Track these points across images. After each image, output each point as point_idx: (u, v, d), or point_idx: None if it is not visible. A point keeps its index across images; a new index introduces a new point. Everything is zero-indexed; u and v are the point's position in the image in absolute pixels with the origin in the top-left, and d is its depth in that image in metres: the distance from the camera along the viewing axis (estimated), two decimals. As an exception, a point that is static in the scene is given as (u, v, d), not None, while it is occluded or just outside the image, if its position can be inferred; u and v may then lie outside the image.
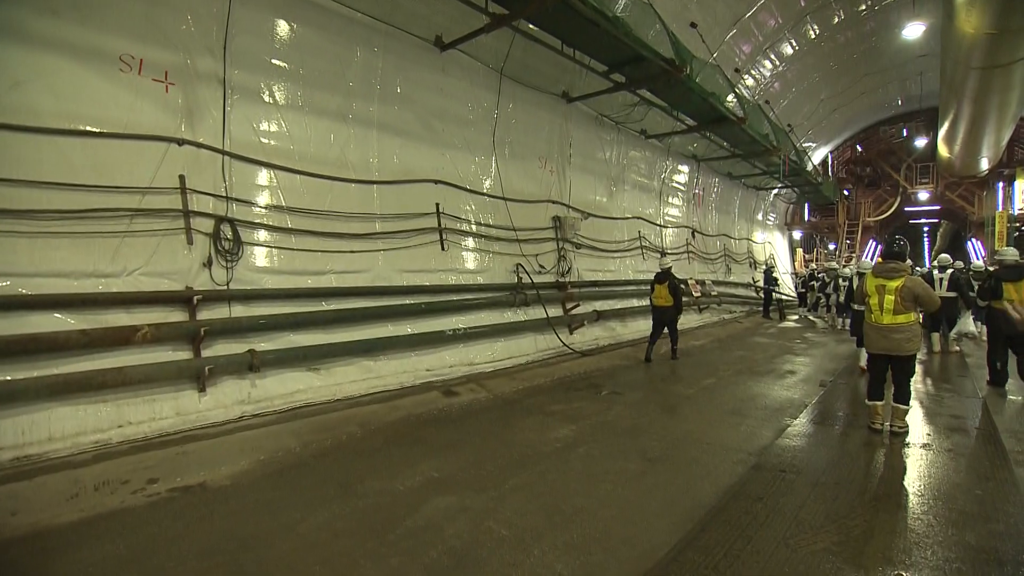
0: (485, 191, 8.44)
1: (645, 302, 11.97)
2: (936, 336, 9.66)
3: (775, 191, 21.97)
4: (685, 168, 14.95)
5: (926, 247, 33.33)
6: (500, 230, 8.56)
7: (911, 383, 4.85)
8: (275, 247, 5.81)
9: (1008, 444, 4.57)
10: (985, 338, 7.46)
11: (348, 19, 6.37)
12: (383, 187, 6.91)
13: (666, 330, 8.87)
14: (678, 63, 8.35)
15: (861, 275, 7.19)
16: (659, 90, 9.57)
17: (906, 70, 18.31)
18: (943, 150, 18.03)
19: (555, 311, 9.28)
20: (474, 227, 8.16)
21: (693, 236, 15.46)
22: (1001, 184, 21.69)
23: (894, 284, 4.64)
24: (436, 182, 7.56)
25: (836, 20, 14.32)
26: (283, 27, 5.88)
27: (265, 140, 5.76)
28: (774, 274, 17.18)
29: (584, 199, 10.66)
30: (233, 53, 5.39)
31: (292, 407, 5.32)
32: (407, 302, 6.95)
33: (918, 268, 12.25)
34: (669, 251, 13.76)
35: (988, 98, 12.38)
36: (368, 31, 6.59)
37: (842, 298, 13.80)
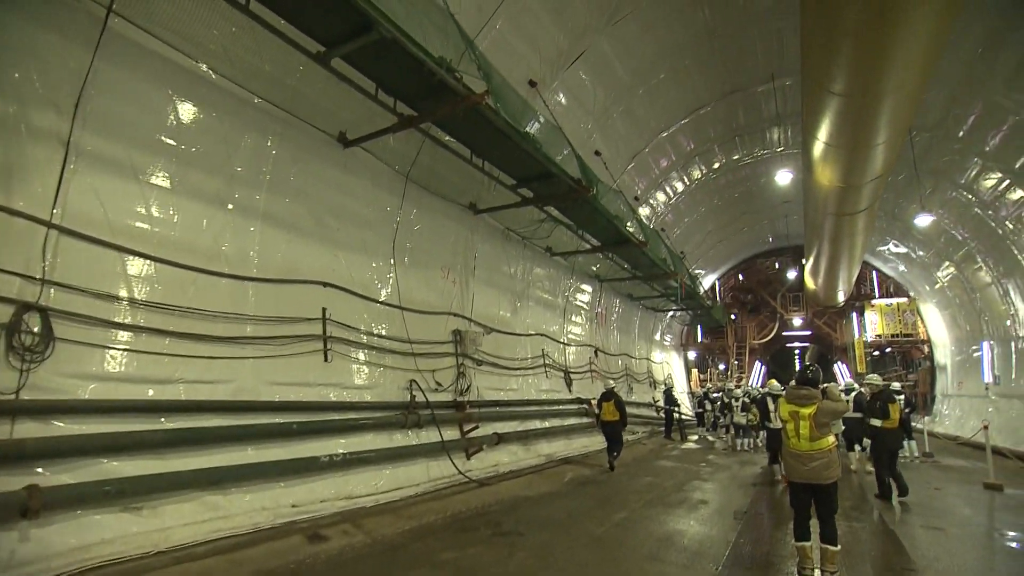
0: (381, 299, 7.91)
1: (549, 423, 11.57)
2: (853, 455, 10.48)
3: (671, 313, 23.43)
4: (588, 287, 15.49)
5: (797, 368, 36.92)
6: (395, 342, 7.94)
7: (835, 518, 4.68)
8: (106, 346, 4.76)
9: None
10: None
11: (243, 101, 6.00)
12: (261, 285, 6.16)
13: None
14: (585, 183, 8.78)
15: (773, 397, 7.71)
16: (566, 208, 9.96)
17: (776, 212, 21.12)
18: (809, 282, 20.43)
19: (452, 433, 8.52)
20: (365, 337, 7.47)
21: (596, 355, 15.67)
22: (855, 314, 24.87)
23: (807, 411, 4.67)
24: (325, 284, 6.93)
25: (718, 164, 16.39)
26: (161, 97, 5.35)
27: (115, 217, 4.93)
28: (674, 394, 17.67)
29: (487, 313, 10.42)
30: (88, 114, 4.71)
31: (82, 569, 3.98)
32: (276, 421, 5.95)
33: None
34: (572, 370, 13.70)
35: (841, 240, 14.28)
36: (265, 117, 6.24)
37: (737, 418, 14.45)
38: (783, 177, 15.46)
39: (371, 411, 7.24)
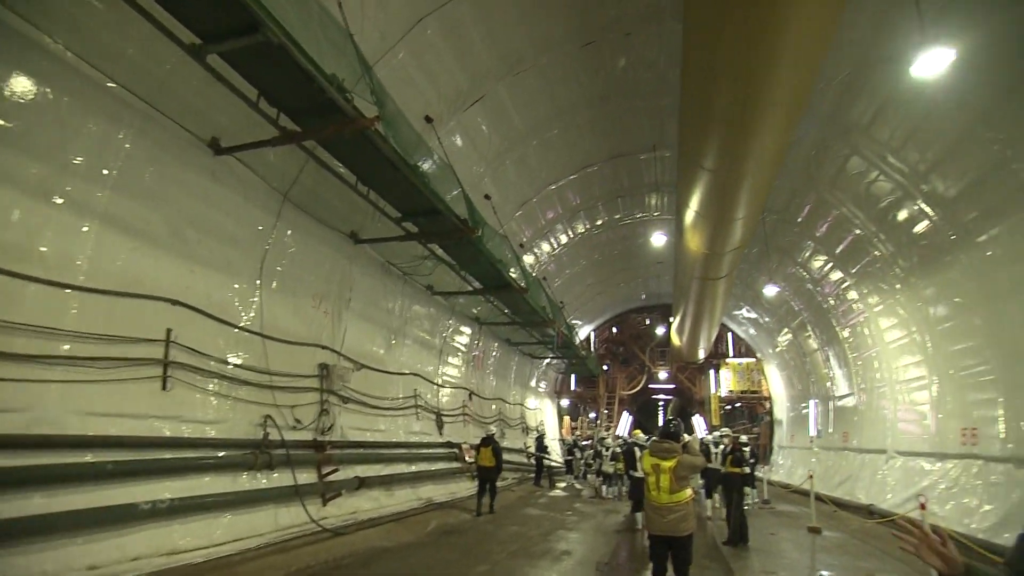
0: (241, 324, 7.19)
1: (416, 468, 11.11)
2: (710, 503, 11.33)
3: (548, 361, 24.08)
4: (468, 329, 15.44)
5: (660, 418, 39.56)
6: (252, 372, 7.21)
7: (690, 569, 4.88)
8: None
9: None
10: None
11: (94, 83, 5.24)
12: (90, 296, 5.30)
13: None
14: (472, 224, 8.83)
15: (639, 447, 8.26)
16: (451, 248, 9.93)
17: (650, 271, 22.83)
18: (675, 339, 22.21)
19: (308, 476, 7.83)
20: (216, 365, 6.70)
21: (470, 398, 15.52)
22: (713, 371, 27.39)
23: (668, 464, 4.87)
24: (174, 302, 6.16)
25: (600, 221, 17.45)
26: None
27: None
28: (546, 441, 17.93)
29: (360, 348, 9.92)
30: None
31: None
32: (85, 460, 5.03)
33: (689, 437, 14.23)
34: (445, 412, 13.41)
35: (704, 302, 15.75)
36: (120, 105, 5.50)
37: (605, 467, 15.01)
38: (658, 239, 16.81)
39: (214, 449, 6.43)
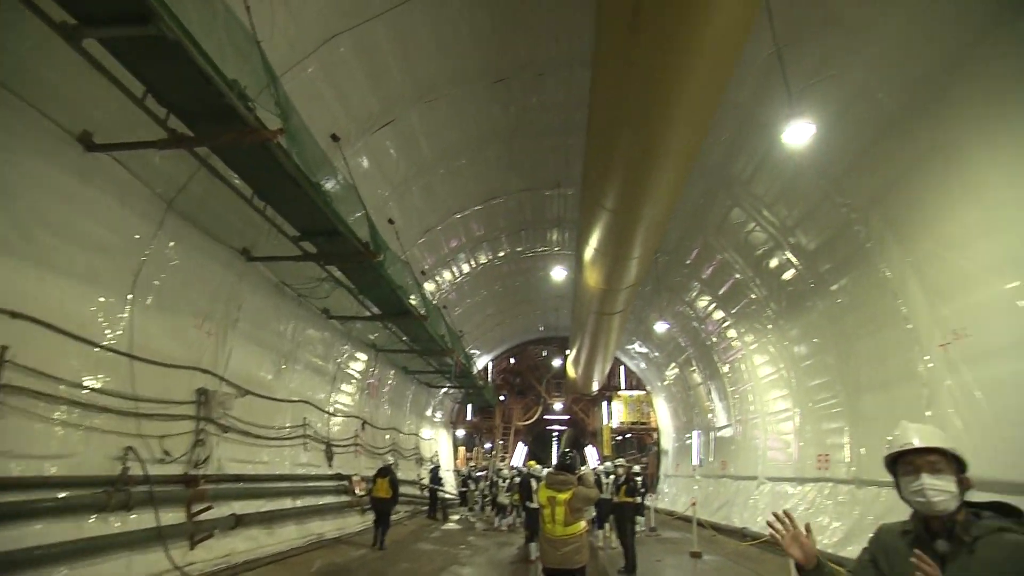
0: (103, 343, 6.38)
1: (302, 502, 10.35)
2: (601, 532, 11.58)
3: (444, 390, 23.76)
4: (363, 356, 14.86)
5: (554, 448, 40.26)
6: (113, 398, 6.38)
7: None
8: None
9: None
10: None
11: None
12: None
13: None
14: (374, 247, 8.60)
15: (535, 478, 8.29)
16: (350, 271, 9.57)
17: (549, 304, 23.48)
18: (571, 371, 22.89)
19: (176, 516, 7.00)
20: (66, 389, 5.84)
21: (363, 428, 14.86)
22: (606, 403, 28.47)
23: (564, 496, 4.93)
24: (13, 315, 5.32)
25: (503, 253, 17.74)
26: None
27: None
28: (440, 472, 17.51)
29: (245, 373, 9.18)
30: None
31: None
32: None
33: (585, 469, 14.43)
34: (336, 442, 12.70)
35: (600, 336, 16.43)
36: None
37: (501, 498, 14.96)
38: (558, 273, 17.37)
39: (53, 489, 5.55)
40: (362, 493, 12.13)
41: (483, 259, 17.53)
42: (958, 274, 7.04)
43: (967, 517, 1.70)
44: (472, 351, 22.32)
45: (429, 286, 16.04)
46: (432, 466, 17.98)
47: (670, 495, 21.86)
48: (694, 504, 11.82)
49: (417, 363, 17.31)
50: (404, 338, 14.19)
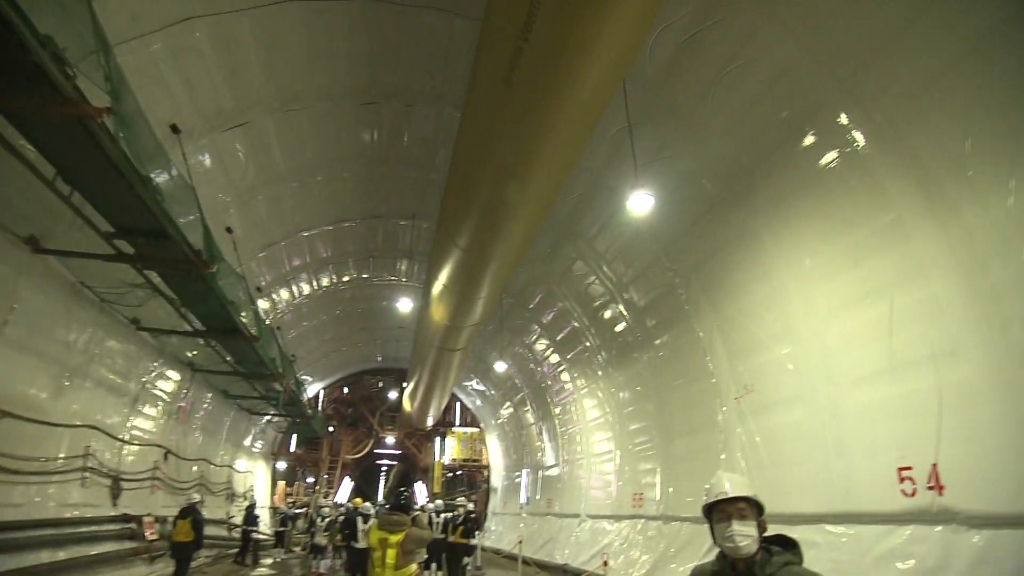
0: None
1: (67, 553, 8.48)
2: (428, 574, 11.17)
3: (268, 418, 21.66)
4: (176, 375, 12.98)
5: (381, 484, 38.56)
6: None
7: None
8: None
9: None
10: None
11: None
12: None
13: None
14: (207, 256, 7.68)
15: (364, 517, 7.77)
16: (175, 279, 8.41)
17: (390, 334, 22.84)
18: (407, 404, 22.34)
19: None
20: None
21: (165, 458, 12.84)
22: (439, 438, 28.18)
23: (396, 538, 4.72)
24: None
25: (348, 278, 16.97)
26: None
27: None
28: (256, 511, 15.68)
29: (8, 390, 7.45)
30: None
31: None
32: None
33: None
34: (127, 476, 10.76)
35: (439, 371, 16.33)
36: None
37: (318, 538, 13.77)
38: (404, 305, 17.07)
39: None
40: (154, 537, 10.34)
41: (326, 282, 16.59)
42: (751, 339, 8.34)
43: (762, 556, 1.98)
44: (304, 377, 20.74)
45: (264, 304, 14.69)
46: (249, 504, 16.00)
47: (497, 532, 22.07)
48: (520, 542, 12.08)
49: (240, 387, 15.58)
50: (228, 358, 12.73)
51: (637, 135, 7.80)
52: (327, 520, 13.82)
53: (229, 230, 10.74)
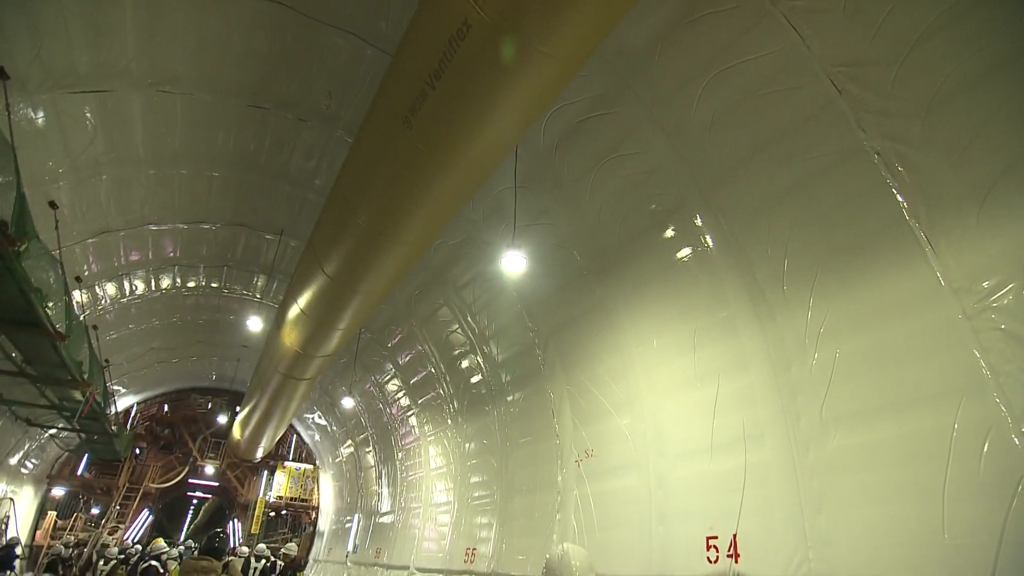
0: None
1: None
2: None
3: (53, 431, 18.07)
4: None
5: (187, 520, 33.48)
6: None
7: None
8: None
9: None
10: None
11: None
12: None
13: None
14: (14, 231, 6.41)
15: (158, 560, 6.49)
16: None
17: (231, 352, 20.60)
18: (236, 431, 20.02)
19: None
20: None
21: None
22: (266, 473, 25.48)
23: None
24: None
25: (194, 284, 15.19)
26: None
27: None
28: (18, 550, 12.56)
29: None
30: None
31: None
32: None
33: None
34: None
35: (281, 399, 14.94)
36: None
37: None
38: (253, 323, 15.58)
39: None
40: None
41: (167, 284, 14.65)
42: (596, 406, 8.76)
43: None
44: (116, 387, 17.79)
45: (82, 296, 12.52)
46: (9, 542, 12.70)
47: (315, 583, 20.16)
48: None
49: (23, 391, 12.85)
50: (14, 355, 10.50)
51: (521, 197, 8.11)
52: (111, 563, 11.48)
53: (53, 205, 9.11)
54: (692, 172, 6.90)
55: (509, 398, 11.24)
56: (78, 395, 12.65)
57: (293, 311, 9.46)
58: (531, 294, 10.12)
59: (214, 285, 15.43)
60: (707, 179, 6.76)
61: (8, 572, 11.87)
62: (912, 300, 4.94)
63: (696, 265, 7.08)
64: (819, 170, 5.64)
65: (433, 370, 13.83)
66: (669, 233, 7.40)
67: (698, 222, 6.96)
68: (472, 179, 5.81)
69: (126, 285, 13.75)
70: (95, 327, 13.22)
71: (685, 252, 7.22)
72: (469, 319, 11.94)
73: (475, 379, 12.36)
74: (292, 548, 9.21)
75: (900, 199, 4.97)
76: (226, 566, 4.43)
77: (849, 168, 5.35)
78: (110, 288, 13.57)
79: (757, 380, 6.27)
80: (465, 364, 12.62)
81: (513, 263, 7.78)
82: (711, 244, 6.87)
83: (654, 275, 7.79)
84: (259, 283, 15.57)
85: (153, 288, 14.47)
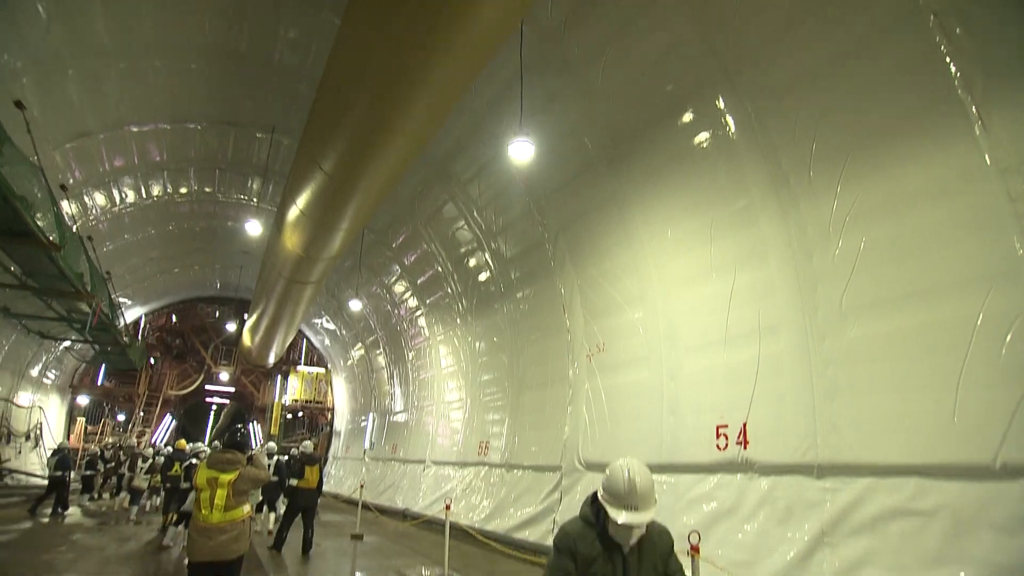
0: None
1: None
2: (260, 517, 10.77)
3: (67, 343, 18.81)
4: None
5: (209, 424, 35.85)
6: None
7: None
8: None
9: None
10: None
11: None
12: None
13: None
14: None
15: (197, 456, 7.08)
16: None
17: (232, 260, 20.81)
18: (246, 339, 20.73)
19: None
20: None
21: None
22: (281, 377, 26.76)
23: (228, 477, 4.35)
24: None
25: (186, 190, 14.98)
26: None
27: None
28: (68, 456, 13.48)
29: None
30: None
31: None
32: None
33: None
34: None
35: (287, 304, 15.26)
36: None
37: (138, 481, 12.41)
38: (252, 227, 15.51)
39: None
40: None
41: (158, 191, 14.48)
42: (608, 300, 8.89)
43: None
44: (122, 299, 18.22)
45: (71, 207, 12.43)
46: (60, 449, 13.52)
47: (337, 478, 21.81)
48: (362, 487, 12.02)
49: (30, 304, 13.23)
50: (13, 268, 10.66)
51: (527, 81, 7.66)
52: (148, 462, 12.50)
53: (19, 105, 8.73)
54: (715, 49, 6.42)
55: (519, 295, 11.41)
56: (84, 307, 12.98)
57: (292, 212, 9.35)
58: (540, 186, 9.91)
59: (207, 190, 15.24)
60: (732, 56, 6.30)
61: (68, 472, 12.89)
62: (951, 183, 4.75)
63: (715, 151, 6.81)
64: (863, 39, 5.20)
65: (440, 269, 13.95)
66: (687, 117, 7.06)
67: (719, 104, 6.60)
68: (477, 52, 5.37)
69: (115, 194, 13.60)
70: (90, 238, 13.26)
71: (703, 137, 6.92)
72: (475, 215, 11.83)
73: (483, 276, 12.49)
74: (308, 445, 9.89)
75: (953, 69, 4.60)
76: (250, 459, 4.70)
77: (898, 34, 4.93)
78: (99, 197, 13.44)
79: (775, 271, 6.26)
80: (473, 262, 12.70)
81: (521, 151, 7.52)
82: (732, 128, 6.55)
83: (670, 163, 7.54)
84: (254, 186, 15.34)
85: (144, 196, 14.32)
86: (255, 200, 15.88)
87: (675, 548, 2.32)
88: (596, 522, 2.19)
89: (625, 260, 8.55)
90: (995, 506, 4.16)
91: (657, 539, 2.24)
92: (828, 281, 5.74)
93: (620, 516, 2.07)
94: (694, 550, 3.98)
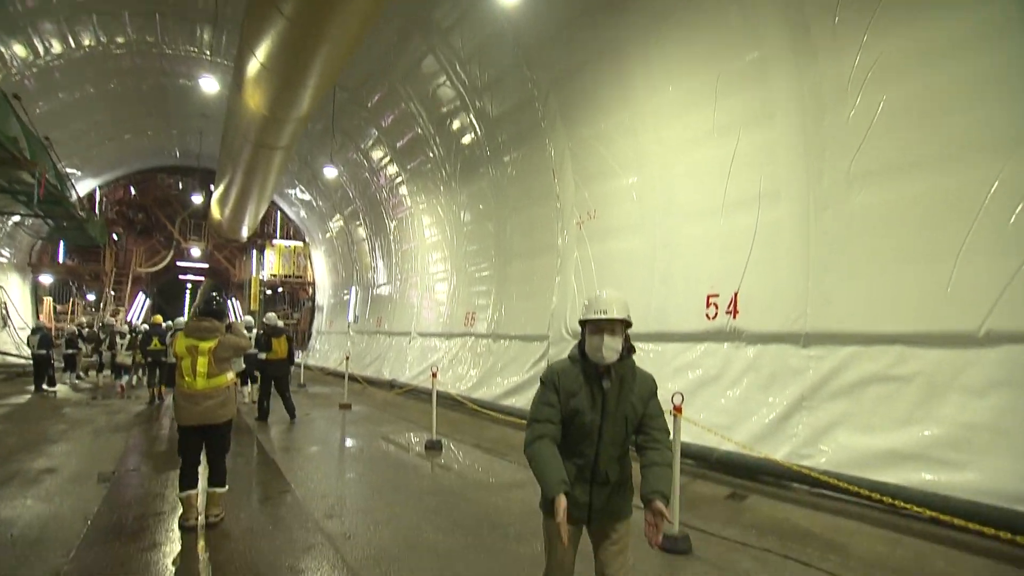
0: None
1: None
2: (246, 389, 11.90)
3: (16, 219, 18.42)
4: None
5: (186, 302, 36.52)
6: None
7: (226, 459, 4.76)
8: None
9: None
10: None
11: None
12: None
13: None
14: None
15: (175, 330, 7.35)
16: None
17: (190, 124, 19.75)
18: (215, 211, 20.39)
19: None
20: None
21: None
22: (257, 252, 26.81)
23: (207, 345, 4.58)
24: None
25: (123, 39, 13.77)
26: None
27: None
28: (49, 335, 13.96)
29: None
30: None
31: None
32: None
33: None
34: None
35: (256, 172, 14.81)
36: None
37: (121, 357, 13.07)
38: (209, 85, 14.61)
39: None
40: None
41: (88, 40, 13.28)
42: (601, 164, 8.70)
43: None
44: (69, 169, 17.53)
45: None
46: (37, 327, 14.03)
47: (322, 352, 22.72)
48: (347, 359, 12.60)
49: (-35, 175, 12.71)
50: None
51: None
52: (127, 338, 13.05)
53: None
54: None
55: (506, 158, 11.12)
56: (28, 177, 12.49)
57: (252, 66, 8.72)
58: (530, 34, 9.25)
59: (149, 39, 14.00)
60: None
61: (51, 350, 13.56)
62: (989, 34, 4.46)
63: (726, -3, 6.30)
64: None
65: (421, 131, 13.44)
66: (700, -53, 6.42)
67: (738, -69, 5.97)
68: None
69: (37, 43, 12.48)
70: (16, 96, 12.32)
71: (716, -24, 6.35)
72: (458, 69, 11.15)
73: (467, 139, 12.09)
74: (271, 317, 10.32)
75: None
76: (229, 327, 4.87)
77: None
78: (18, 48, 12.36)
79: (782, 133, 6.09)
80: (456, 124, 12.21)
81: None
82: (749, -35, 6.00)
83: (674, 9, 7.00)
84: (205, 36, 14.12)
85: (73, 46, 13.18)
86: (207, 53, 14.70)
87: (660, 410, 2.49)
88: (580, 358, 2.40)
89: (622, 120, 8.24)
90: (970, 370, 4.44)
91: (640, 381, 2.42)
92: (838, 145, 5.61)
93: (588, 316, 2.35)
94: (676, 410, 4.32)
